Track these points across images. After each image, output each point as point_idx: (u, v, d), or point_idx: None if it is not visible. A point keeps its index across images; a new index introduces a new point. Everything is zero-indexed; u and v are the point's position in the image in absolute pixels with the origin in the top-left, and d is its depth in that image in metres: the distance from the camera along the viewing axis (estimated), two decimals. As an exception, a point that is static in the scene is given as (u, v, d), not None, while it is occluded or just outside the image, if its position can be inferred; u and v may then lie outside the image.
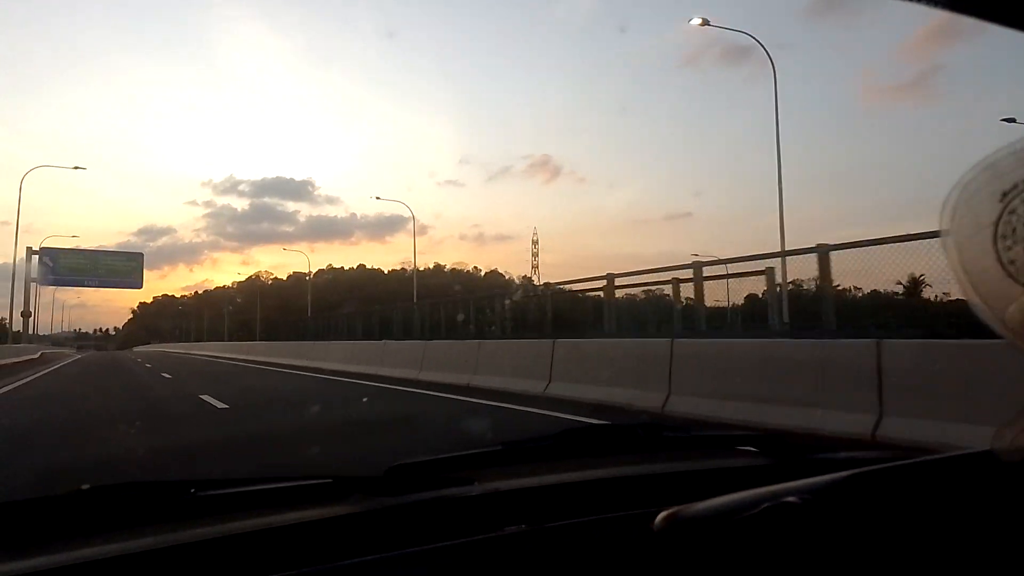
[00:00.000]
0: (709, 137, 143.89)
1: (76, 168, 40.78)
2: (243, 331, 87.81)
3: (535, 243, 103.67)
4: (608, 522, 0.97)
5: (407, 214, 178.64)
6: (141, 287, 50.40)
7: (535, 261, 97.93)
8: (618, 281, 14.62)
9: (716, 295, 13.30)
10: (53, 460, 5.53)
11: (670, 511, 0.82)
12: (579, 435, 1.23)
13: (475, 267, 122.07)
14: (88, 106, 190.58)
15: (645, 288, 16.02)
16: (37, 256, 43.07)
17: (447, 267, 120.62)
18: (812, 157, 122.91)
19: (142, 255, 52.62)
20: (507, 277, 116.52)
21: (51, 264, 45.91)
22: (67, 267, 47.74)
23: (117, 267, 50.67)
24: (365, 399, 11.32)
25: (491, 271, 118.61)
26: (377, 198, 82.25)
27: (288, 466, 4.86)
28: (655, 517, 0.83)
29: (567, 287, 18.41)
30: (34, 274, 42.00)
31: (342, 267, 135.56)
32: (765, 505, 0.73)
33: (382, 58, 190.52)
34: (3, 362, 23.96)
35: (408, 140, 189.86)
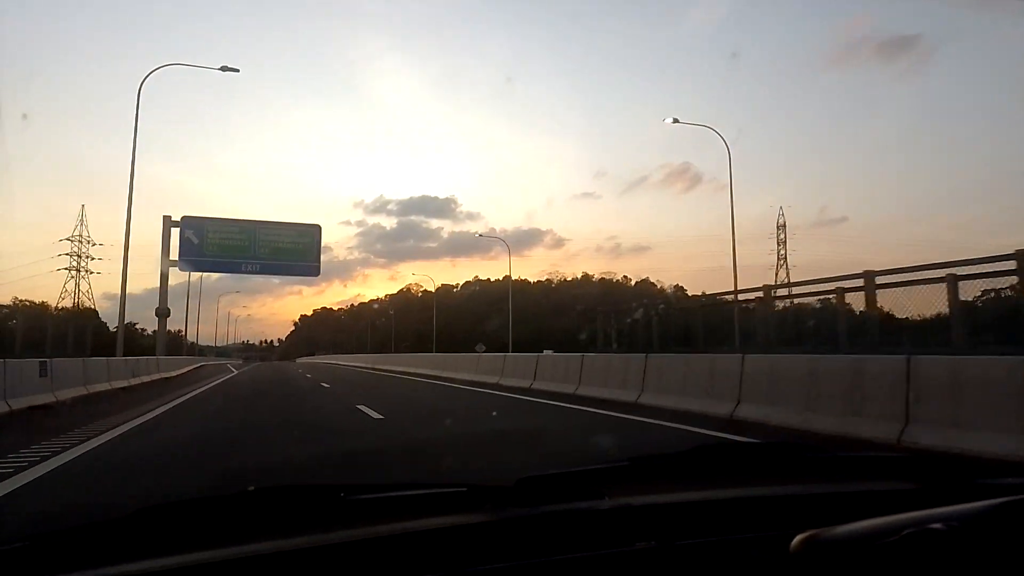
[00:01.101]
0: (855, 139, 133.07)
1: (169, 223, 35.68)
2: (396, 343, 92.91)
3: (782, 241, 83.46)
4: (742, 542, 0.98)
5: (544, 228, 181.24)
6: (318, 273, 35.99)
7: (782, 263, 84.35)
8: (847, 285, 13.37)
9: (899, 304, 12.16)
10: (228, 464, 6.20)
11: (808, 534, 0.82)
12: (712, 452, 1.24)
13: (624, 276, 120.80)
14: (259, 143, 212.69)
15: (820, 296, 15.05)
16: (178, 230, 32.69)
17: (595, 276, 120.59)
18: (987, 153, 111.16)
19: (319, 227, 36.35)
20: (659, 286, 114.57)
21: (196, 241, 33.22)
22: (218, 245, 33.88)
23: (285, 245, 35.31)
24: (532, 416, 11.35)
25: (642, 280, 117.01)
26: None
27: (437, 472, 5.27)
28: (792, 539, 0.83)
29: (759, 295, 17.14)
30: (174, 255, 32.43)
31: (488, 279, 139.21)
32: (907, 532, 0.72)
33: (512, 79, 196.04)
34: (133, 381, 18.07)
35: (542, 154, 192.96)
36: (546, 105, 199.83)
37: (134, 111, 24.20)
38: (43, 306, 53.42)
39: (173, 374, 26.00)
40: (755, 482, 1.19)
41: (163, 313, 31.77)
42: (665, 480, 1.21)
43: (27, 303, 52.70)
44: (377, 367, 38.68)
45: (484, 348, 41.75)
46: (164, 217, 32.97)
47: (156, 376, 21.86)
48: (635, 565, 0.95)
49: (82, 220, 74.53)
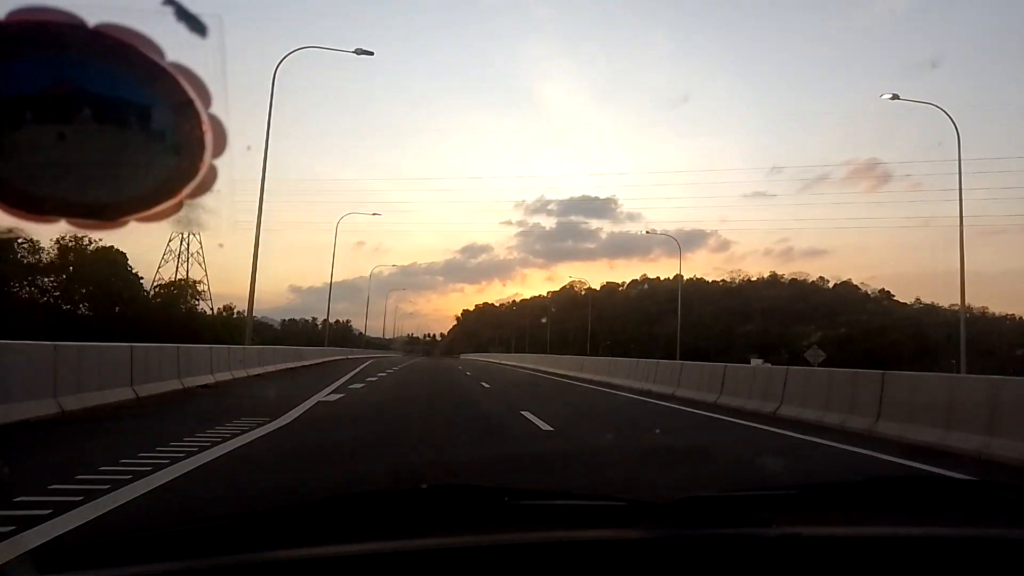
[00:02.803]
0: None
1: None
2: (558, 343, 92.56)
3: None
4: None
5: (708, 229, 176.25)
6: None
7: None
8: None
9: None
10: (400, 460, 6.64)
11: None
12: (893, 485, 1.18)
13: (820, 277, 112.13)
14: (430, 147, 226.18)
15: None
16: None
17: (785, 276, 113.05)
18: None
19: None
20: (864, 290, 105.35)
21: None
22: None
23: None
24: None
25: (842, 282, 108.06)
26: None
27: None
28: None
29: None
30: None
31: (658, 277, 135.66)
32: None
33: (679, 77, 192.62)
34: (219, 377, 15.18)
35: (710, 152, 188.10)
36: (714, 101, 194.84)
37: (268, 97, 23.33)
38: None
39: (260, 371, 19.54)
40: (942, 522, 1.12)
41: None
42: (840, 512, 1.14)
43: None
44: (541, 368, 37.77)
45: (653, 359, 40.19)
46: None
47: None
48: None
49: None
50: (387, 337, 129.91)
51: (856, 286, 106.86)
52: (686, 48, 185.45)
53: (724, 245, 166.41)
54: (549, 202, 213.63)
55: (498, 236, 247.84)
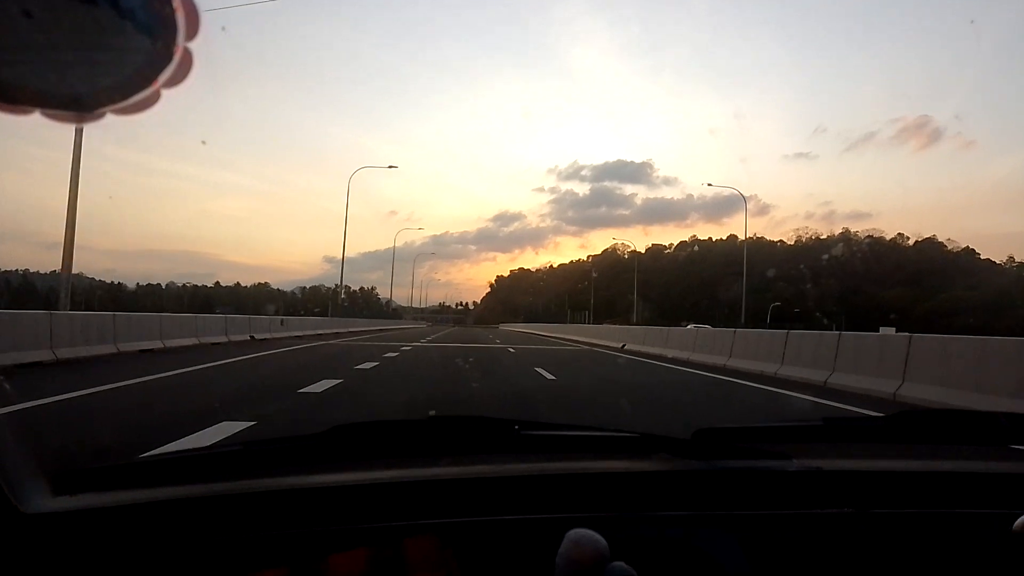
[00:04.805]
0: None
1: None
2: (605, 310, 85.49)
3: None
4: (953, 518, 0.98)
5: (747, 192, 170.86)
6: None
7: None
8: None
9: None
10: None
11: None
12: (919, 419, 1.17)
13: (900, 234, 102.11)
14: (459, 113, 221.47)
15: None
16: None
17: (859, 233, 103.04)
18: None
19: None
20: (949, 247, 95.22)
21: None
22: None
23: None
24: None
25: (926, 239, 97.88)
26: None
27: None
28: (1014, 520, 0.83)
29: None
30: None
31: (710, 238, 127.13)
32: None
33: (717, 33, 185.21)
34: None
35: (750, 112, 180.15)
36: (754, 59, 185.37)
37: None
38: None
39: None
40: (969, 455, 1.15)
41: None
42: (862, 446, 1.14)
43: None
44: (601, 342, 30.02)
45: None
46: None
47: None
48: (825, 530, 0.94)
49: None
50: (417, 306, 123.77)
51: (941, 243, 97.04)
52: (722, 5, 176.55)
53: (763, 209, 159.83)
54: (582, 167, 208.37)
55: (530, 203, 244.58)
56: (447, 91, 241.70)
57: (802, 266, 70.61)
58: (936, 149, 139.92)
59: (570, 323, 62.91)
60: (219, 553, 0.85)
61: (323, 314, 39.53)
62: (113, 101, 0.63)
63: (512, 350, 22.09)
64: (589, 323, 66.86)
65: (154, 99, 0.64)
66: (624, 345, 24.62)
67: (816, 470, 1.04)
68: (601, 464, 1.07)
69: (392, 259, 76.81)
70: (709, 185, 68.37)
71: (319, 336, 28.30)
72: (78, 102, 0.62)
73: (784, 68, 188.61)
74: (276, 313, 36.97)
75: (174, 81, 0.63)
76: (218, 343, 18.57)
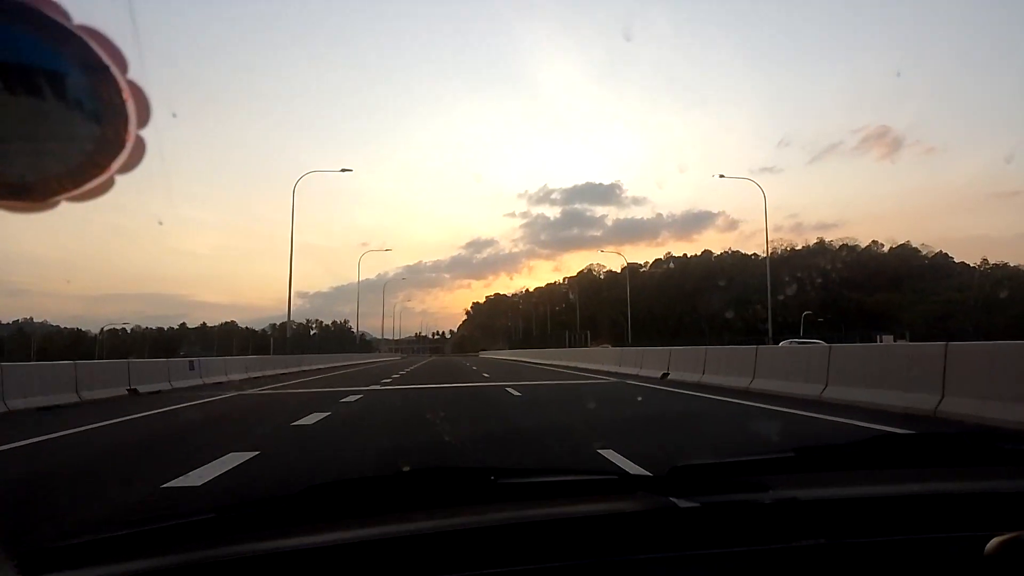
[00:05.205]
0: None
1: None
2: (586, 332, 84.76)
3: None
4: (928, 543, 0.98)
5: (714, 209, 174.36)
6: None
7: None
8: None
9: None
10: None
11: (1007, 536, 0.81)
12: (888, 443, 1.19)
13: (874, 241, 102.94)
14: (426, 140, 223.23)
15: None
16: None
17: (832, 243, 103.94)
18: None
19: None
20: (923, 252, 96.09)
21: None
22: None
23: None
24: None
25: (900, 245, 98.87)
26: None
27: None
28: (987, 542, 0.83)
29: None
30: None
31: (684, 255, 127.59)
32: None
33: (678, 53, 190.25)
34: None
35: (715, 128, 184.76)
36: (718, 75, 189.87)
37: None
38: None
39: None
40: (941, 477, 1.13)
41: None
42: (835, 473, 1.15)
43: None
44: (618, 369, 23.84)
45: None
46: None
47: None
48: (802, 562, 0.94)
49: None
50: (392, 337, 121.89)
51: (915, 248, 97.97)
52: (681, 16, 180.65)
53: (732, 224, 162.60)
54: (552, 191, 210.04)
55: (502, 228, 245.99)
56: (414, 116, 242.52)
57: (787, 277, 70.62)
58: (898, 156, 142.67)
59: (555, 347, 59.77)
60: None
61: (265, 351, 34.56)
62: (65, 188, 0.63)
63: (516, 392, 14.41)
64: (568, 346, 65.24)
65: (108, 185, 0.64)
66: (665, 374, 18.81)
67: (791, 500, 1.05)
68: (580, 508, 1.05)
69: (358, 289, 70.22)
70: (721, 176, 65.90)
71: (251, 381, 21.72)
72: (29, 191, 0.63)
73: (747, 85, 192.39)
74: (198, 354, 31.72)
75: (127, 167, 0.64)
76: (67, 404, 13.44)
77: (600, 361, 28.55)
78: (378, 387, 17.68)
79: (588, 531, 0.99)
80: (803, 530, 0.97)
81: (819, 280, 78.97)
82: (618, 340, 59.04)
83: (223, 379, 21.26)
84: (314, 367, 34.59)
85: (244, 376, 23.12)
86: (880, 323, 64.48)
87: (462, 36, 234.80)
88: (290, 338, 33.48)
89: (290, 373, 28.28)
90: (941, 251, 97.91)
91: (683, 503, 1.02)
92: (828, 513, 1.04)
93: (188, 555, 0.91)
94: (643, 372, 20.84)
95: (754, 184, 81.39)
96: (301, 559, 0.92)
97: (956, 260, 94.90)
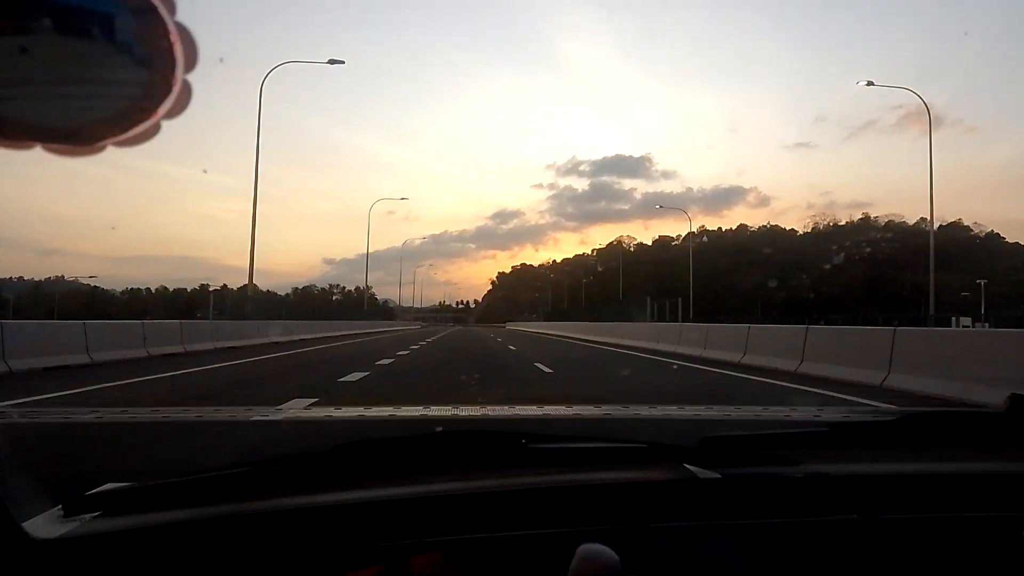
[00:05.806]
0: None
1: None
2: (607, 306, 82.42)
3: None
4: (964, 521, 0.97)
5: (746, 185, 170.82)
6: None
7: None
8: None
9: None
10: None
11: None
12: (924, 420, 1.18)
13: (922, 218, 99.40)
14: (455, 111, 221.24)
15: None
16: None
17: (878, 218, 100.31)
18: None
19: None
20: (974, 231, 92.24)
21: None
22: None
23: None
24: None
25: (951, 223, 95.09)
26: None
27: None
28: None
29: None
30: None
31: (719, 228, 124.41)
32: None
33: (713, 25, 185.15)
34: None
35: (749, 102, 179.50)
36: (752, 49, 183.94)
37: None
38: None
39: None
40: (980, 457, 1.13)
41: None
42: (869, 450, 1.18)
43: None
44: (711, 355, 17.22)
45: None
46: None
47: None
48: (832, 537, 0.94)
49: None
50: (415, 306, 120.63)
51: (967, 227, 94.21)
52: None
53: (763, 201, 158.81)
54: (581, 163, 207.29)
55: (529, 200, 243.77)
56: (443, 89, 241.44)
57: (834, 248, 67.75)
58: (937, 136, 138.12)
59: (588, 321, 51.67)
60: None
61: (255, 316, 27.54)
62: (112, 133, 0.64)
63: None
64: (595, 320, 60.21)
65: (154, 131, 0.65)
66: (797, 367, 12.79)
67: (823, 475, 1.05)
68: (609, 475, 1.06)
69: (398, 259, 70.98)
70: (870, 84, 37.91)
71: (232, 351, 19.39)
72: (76, 135, 0.64)
73: (782, 58, 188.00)
74: (216, 317, 26.55)
75: (173, 112, 0.64)
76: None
77: (672, 341, 21.29)
78: (383, 364, 14.95)
79: (617, 497, 0.99)
80: (835, 505, 0.97)
81: (867, 253, 76.02)
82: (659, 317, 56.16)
83: (202, 347, 19.20)
84: (309, 336, 29.87)
85: (215, 344, 20.32)
86: (941, 304, 61.52)
87: (492, 9, 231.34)
88: (250, 303, 28.31)
89: (284, 342, 24.79)
90: (993, 230, 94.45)
91: (712, 474, 1.02)
92: (860, 489, 1.03)
93: (221, 507, 0.93)
94: (738, 359, 15.31)
95: (791, 158, 77.21)
96: (329, 515, 0.93)
97: (1009, 240, 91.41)
